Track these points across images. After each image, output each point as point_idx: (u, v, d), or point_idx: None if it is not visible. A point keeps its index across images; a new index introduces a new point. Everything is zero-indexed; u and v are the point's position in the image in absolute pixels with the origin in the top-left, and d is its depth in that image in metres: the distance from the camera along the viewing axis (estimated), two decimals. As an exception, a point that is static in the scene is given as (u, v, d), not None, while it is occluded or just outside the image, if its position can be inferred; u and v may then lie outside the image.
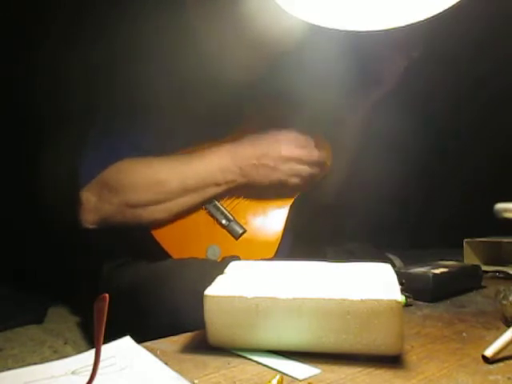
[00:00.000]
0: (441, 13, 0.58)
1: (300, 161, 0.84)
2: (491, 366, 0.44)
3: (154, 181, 0.81)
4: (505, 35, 1.01)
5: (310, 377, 0.42)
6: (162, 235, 0.83)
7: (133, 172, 0.82)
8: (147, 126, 0.84)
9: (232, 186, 0.84)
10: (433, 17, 0.58)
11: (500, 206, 0.46)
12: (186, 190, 0.81)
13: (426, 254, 1.03)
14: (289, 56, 0.90)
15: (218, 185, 0.83)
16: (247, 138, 0.84)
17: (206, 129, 0.86)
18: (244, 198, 0.87)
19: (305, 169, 0.85)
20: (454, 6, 0.57)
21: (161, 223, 0.83)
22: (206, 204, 0.85)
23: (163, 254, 0.81)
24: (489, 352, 0.44)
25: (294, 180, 0.85)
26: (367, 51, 0.93)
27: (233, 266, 0.58)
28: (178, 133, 0.84)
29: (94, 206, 0.81)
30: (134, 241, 0.85)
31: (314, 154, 0.85)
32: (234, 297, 0.47)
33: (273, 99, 0.93)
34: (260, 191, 0.86)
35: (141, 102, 0.84)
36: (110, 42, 0.91)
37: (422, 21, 0.59)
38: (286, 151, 0.83)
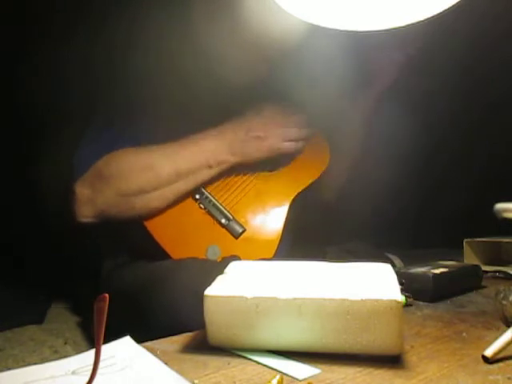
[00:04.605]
0: (441, 13, 0.58)
1: (286, 124, 0.86)
2: (491, 366, 0.44)
3: (144, 166, 0.81)
4: (507, 35, 1.01)
5: (309, 377, 0.42)
6: (161, 236, 0.82)
7: (123, 160, 0.82)
8: (146, 122, 0.84)
9: (225, 167, 0.84)
10: (433, 17, 0.58)
11: (500, 205, 0.46)
12: (178, 175, 0.81)
13: (426, 254, 1.03)
14: (289, 57, 0.90)
15: (210, 167, 0.83)
16: (232, 120, 0.85)
17: (205, 128, 0.85)
18: (243, 195, 0.87)
19: (293, 131, 0.86)
20: (453, 5, 0.57)
21: (156, 213, 0.82)
22: (205, 204, 0.84)
23: (163, 256, 0.81)
24: (489, 352, 0.44)
25: (288, 145, 0.86)
26: (363, 50, 0.93)
27: (233, 266, 0.58)
28: (177, 133, 0.84)
29: (88, 198, 0.81)
30: (134, 242, 0.85)
31: (294, 116, 0.88)
32: (234, 297, 0.47)
33: (272, 101, 0.93)
34: (258, 166, 0.87)
35: (140, 98, 0.84)
36: (110, 39, 0.91)
37: (422, 21, 0.59)
38: (269, 118, 0.85)
